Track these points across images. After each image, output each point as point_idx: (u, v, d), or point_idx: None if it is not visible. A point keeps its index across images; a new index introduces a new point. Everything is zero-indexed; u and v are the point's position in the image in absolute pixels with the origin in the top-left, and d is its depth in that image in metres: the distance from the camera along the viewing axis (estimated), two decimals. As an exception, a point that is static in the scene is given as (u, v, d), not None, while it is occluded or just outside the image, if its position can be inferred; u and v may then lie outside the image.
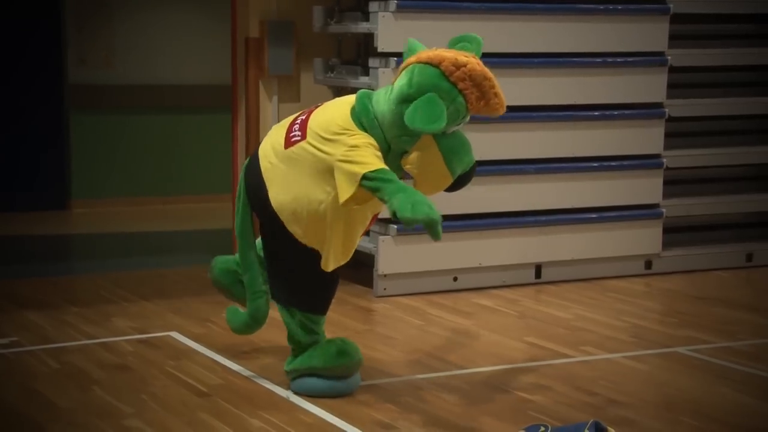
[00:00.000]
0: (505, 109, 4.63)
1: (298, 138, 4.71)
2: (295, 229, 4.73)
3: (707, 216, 7.95)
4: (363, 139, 4.57)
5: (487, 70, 4.57)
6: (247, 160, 5.04)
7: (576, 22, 7.23)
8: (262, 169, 4.82)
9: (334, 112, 4.73)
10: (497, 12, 6.99)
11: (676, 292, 7.19)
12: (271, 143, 4.87)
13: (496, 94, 4.57)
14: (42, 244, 8.62)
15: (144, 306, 6.54)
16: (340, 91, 7.39)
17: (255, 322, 5.06)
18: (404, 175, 4.69)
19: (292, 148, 4.71)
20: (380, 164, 4.48)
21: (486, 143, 7.00)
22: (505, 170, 7.06)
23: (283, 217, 4.72)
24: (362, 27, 6.89)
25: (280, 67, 7.57)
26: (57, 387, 4.88)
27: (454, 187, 4.76)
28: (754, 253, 7.92)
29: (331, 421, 4.52)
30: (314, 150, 4.63)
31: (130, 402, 4.74)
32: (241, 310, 5.20)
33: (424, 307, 6.59)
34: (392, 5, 6.65)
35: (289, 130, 4.79)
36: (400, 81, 4.61)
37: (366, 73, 6.86)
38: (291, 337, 4.94)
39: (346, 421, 4.51)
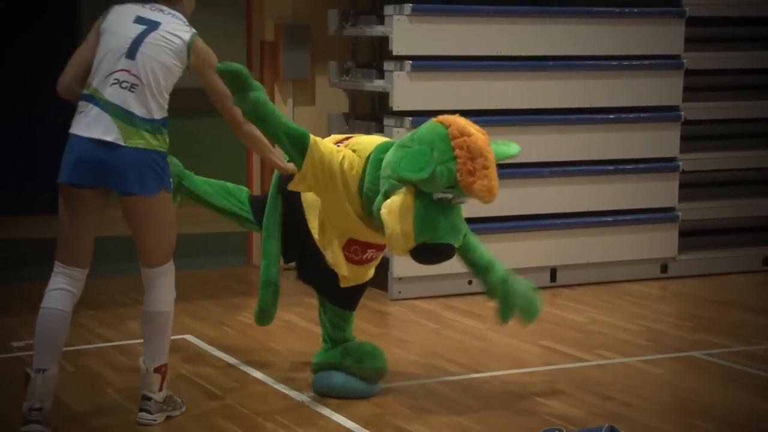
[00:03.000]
0: (492, 197, 4.46)
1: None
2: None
3: (723, 219, 7.92)
4: (346, 163, 4.62)
5: (489, 151, 4.47)
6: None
7: (591, 25, 7.23)
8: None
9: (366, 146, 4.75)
10: (511, 15, 6.99)
11: (691, 295, 7.17)
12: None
13: (486, 176, 4.42)
14: (54, 247, 8.61)
15: (159, 309, 6.56)
16: (355, 95, 7.42)
17: (262, 312, 4.93)
18: None
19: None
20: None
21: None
22: (520, 173, 7.04)
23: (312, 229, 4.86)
24: (377, 30, 6.90)
25: (295, 71, 7.58)
26: (72, 389, 4.89)
27: (416, 255, 4.53)
28: (770, 257, 7.91)
29: (346, 425, 4.52)
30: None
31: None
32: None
33: (439, 310, 6.58)
34: (407, 9, 6.65)
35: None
36: (414, 130, 4.64)
37: (381, 76, 6.86)
38: (325, 333, 4.99)
39: (361, 425, 4.51)
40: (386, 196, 4.45)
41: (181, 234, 9.78)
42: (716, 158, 7.80)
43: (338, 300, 4.96)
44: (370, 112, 7.38)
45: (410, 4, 6.65)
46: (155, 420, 4.49)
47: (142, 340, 5.85)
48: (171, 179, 4.63)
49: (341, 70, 7.30)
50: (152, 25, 4.44)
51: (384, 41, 6.92)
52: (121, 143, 4.34)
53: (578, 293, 7.08)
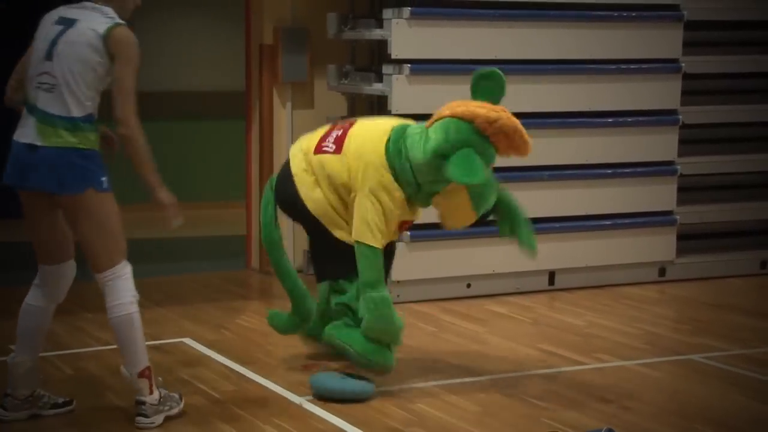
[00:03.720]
0: (530, 149, 5.10)
1: (330, 150, 5.06)
2: (339, 233, 5.09)
3: (721, 223, 7.92)
4: (386, 196, 4.95)
5: (516, 122, 4.97)
6: (275, 175, 5.40)
7: (590, 29, 7.23)
8: (294, 175, 5.16)
9: (372, 140, 5.04)
10: (510, 19, 6.99)
11: (689, 299, 7.17)
12: (301, 148, 5.23)
13: (525, 142, 5.02)
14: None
15: (157, 312, 6.55)
16: (354, 98, 7.42)
17: (304, 321, 5.32)
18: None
19: (322, 156, 5.06)
20: (379, 242, 4.94)
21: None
22: (518, 177, 7.03)
23: (325, 221, 5.09)
24: (376, 34, 6.90)
25: (294, 74, 7.58)
26: (71, 393, 4.88)
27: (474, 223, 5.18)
28: (768, 261, 7.92)
29: (344, 427, 4.52)
30: (347, 167, 4.99)
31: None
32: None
33: (438, 313, 6.58)
34: (406, 12, 6.65)
35: (322, 140, 5.16)
36: (437, 134, 4.90)
37: (380, 79, 6.86)
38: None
39: (360, 428, 4.51)
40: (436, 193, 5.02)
41: (181, 237, 9.84)
42: (714, 162, 7.81)
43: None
44: (370, 116, 7.37)
45: (409, 8, 6.65)
46: (153, 423, 4.49)
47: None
48: (105, 178, 4.52)
49: (340, 74, 7.30)
50: (69, 24, 4.41)
51: (383, 45, 6.92)
52: (39, 143, 4.34)
53: (577, 296, 7.09)
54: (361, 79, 7.11)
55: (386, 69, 6.78)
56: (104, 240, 4.48)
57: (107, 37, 4.39)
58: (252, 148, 7.81)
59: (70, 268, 4.63)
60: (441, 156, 4.84)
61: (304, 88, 7.66)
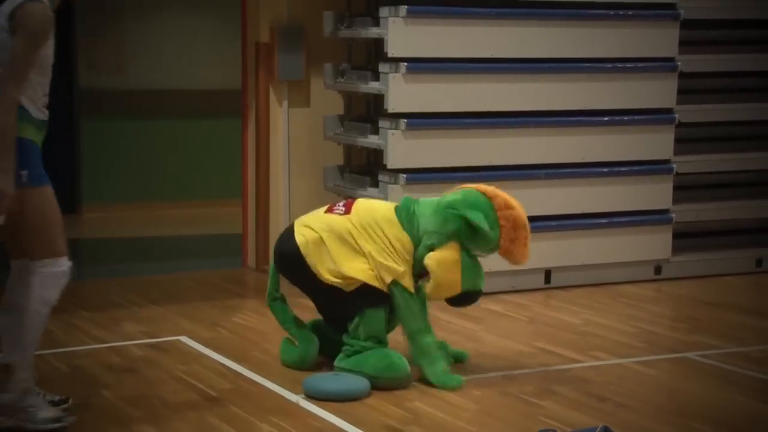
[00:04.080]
0: (525, 262, 5.29)
1: (341, 212, 5.19)
2: (326, 274, 5.12)
3: (717, 221, 7.92)
4: (398, 245, 5.12)
5: (527, 225, 5.21)
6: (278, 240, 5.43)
7: (586, 28, 7.23)
8: (294, 228, 5.25)
9: (381, 204, 5.33)
10: (507, 18, 6.99)
11: (685, 297, 7.17)
12: (309, 216, 5.32)
13: (525, 245, 5.19)
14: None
15: (154, 310, 6.55)
16: (350, 96, 7.41)
17: (303, 363, 5.33)
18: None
19: (331, 215, 5.19)
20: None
21: (496, 148, 7.01)
22: (514, 175, 7.05)
23: (313, 259, 5.13)
24: (373, 32, 6.89)
25: (291, 73, 7.58)
26: (67, 391, 4.86)
27: (454, 301, 5.23)
28: (763, 259, 7.92)
29: (341, 426, 4.51)
30: (355, 229, 5.12)
31: (140, 406, 4.74)
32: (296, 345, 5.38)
33: (434, 311, 6.51)
34: (402, 11, 6.65)
35: (332, 206, 5.30)
36: (454, 195, 5.18)
37: (376, 78, 6.86)
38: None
39: (356, 426, 4.50)
40: (431, 249, 5.07)
41: (177, 236, 9.84)
42: (710, 160, 7.81)
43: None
44: (366, 114, 7.38)
45: (405, 6, 6.65)
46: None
47: (136, 341, 5.88)
48: (25, 172, 4.29)
49: (336, 72, 7.29)
50: None
51: (379, 43, 6.92)
52: None
53: (573, 295, 7.09)
54: (357, 78, 7.11)
55: (383, 67, 6.77)
56: (32, 234, 4.36)
57: (14, 14, 4.23)
58: (248, 146, 7.80)
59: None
60: (452, 208, 5.10)
61: (301, 87, 7.66)
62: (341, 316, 5.21)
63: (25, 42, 4.24)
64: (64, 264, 4.44)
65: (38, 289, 4.35)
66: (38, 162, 4.41)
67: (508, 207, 5.15)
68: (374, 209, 5.22)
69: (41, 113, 4.43)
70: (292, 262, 5.23)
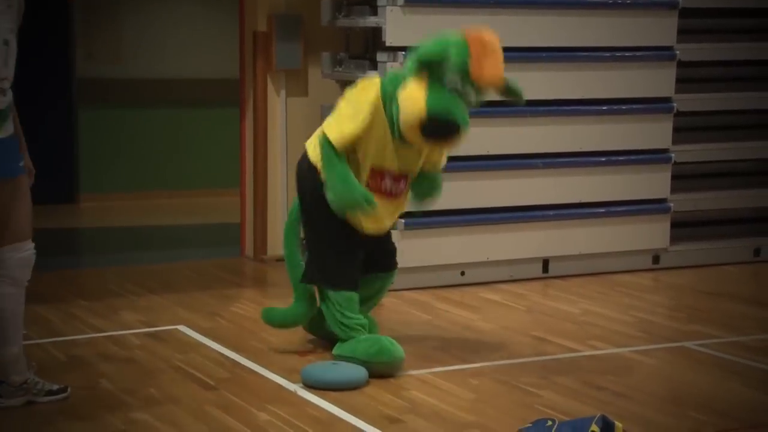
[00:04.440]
0: (499, 81, 5.10)
1: None
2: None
3: (715, 211, 7.92)
4: (369, 108, 5.07)
5: (498, 47, 5.03)
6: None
7: (584, 17, 7.22)
8: (312, 159, 5.24)
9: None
10: (504, 6, 6.97)
11: (683, 286, 7.18)
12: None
13: (496, 66, 5.01)
14: (50, 238, 8.60)
15: (152, 300, 6.55)
16: (347, 85, 7.38)
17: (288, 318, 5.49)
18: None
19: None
20: (340, 138, 5.06)
21: (494, 137, 7.01)
22: (512, 164, 7.06)
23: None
24: (370, 21, 6.88)
25: (288, 61, 7.57)
26: (65, 380, 4.87)
27: (427, 130, 5.02)
28: (761, 248, 7.91)
29: (339, 414, 4.52)
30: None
31: (138, 395, 4.75)
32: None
33: (432, 301, 6.58)
34: (400, 0, 6.63)
35: None
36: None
37: (374, 67, 6.84)
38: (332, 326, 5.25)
39: (354, 415, 4.51)
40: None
41: (175, 225, 9.84)
42: (708, 149, 7.80)
43: (337, 282, 5.21)
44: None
45: (403, -5, 6.64)
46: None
47: (134, 330, 5.87)
48: None
49: (334, 61, 7.27)
50: None
51: (377, 32, 6.89)
52: None
53: (570, 284, 7.09)
54: (355, 67, 7.09)
55: (380, 56, 6.75)
56: None
57: None
58: (246, 135, 7.79)
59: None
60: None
61: (298, 76, 7.65)
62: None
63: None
64: None
65: None
66: None
67: (478, 32, 5.01)
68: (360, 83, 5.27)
69: None
70: (305, 177, 5.27)
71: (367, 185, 5.15)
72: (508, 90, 5.23)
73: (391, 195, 5.23)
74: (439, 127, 5.00)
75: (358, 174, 5.12)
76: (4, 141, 4.42)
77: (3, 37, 4.36)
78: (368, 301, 5.48)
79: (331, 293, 5.20)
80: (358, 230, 5.21)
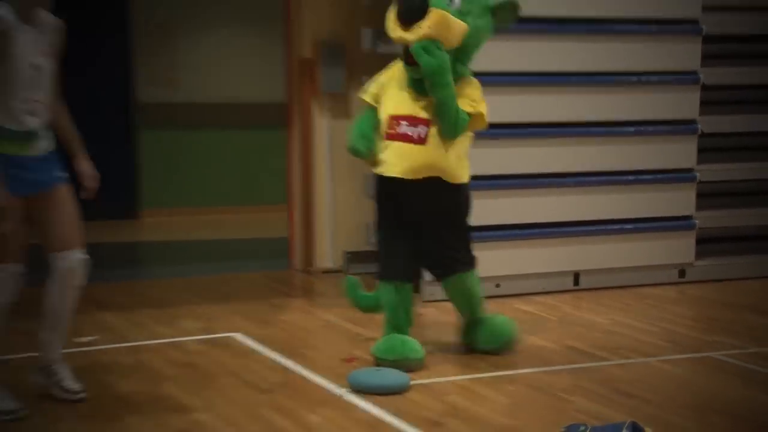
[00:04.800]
0: None
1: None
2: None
3: (737, 228, 7.88)
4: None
5: None
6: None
7: (612, 43, 7.22)
8: None
9: None
10: (533, 33, 7.00)
11: (707, 299, 7.15)
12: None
13: None
14: (115, 251, 8.73)
15: (209, 309, 6.62)
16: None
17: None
18: None
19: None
20: (363, 93, 5.55)
21: (528, 157, 7.03)
22: (545, 183, 7.08)
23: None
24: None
25: (332, 86, 7.64)
26: (132, 382, 4.96)
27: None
28: (784, 263, 7.88)
29: (383, 418, 4.55)
30: None
31: (199, 397, 4.81)
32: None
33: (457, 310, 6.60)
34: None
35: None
36: None
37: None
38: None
39: (397, 417, 4.54)
40: None
41: (229, 239, 9.87)
42: (731, 169, 7.78)
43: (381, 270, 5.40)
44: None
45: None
46: None
47: (194, 337, 5.91)
48: None
49: (376, 86, 7.32)
50: None
51: (417, 59, 6.94)
52: None
53: (600, 296, 7.09)
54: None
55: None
56: None
57: None
58: (293, 155, 7.86)
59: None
60: None
61: (342, 99, 7.71)
62: None
63: None
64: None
65: None
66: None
67: None
68: None
69: (17, 123, 4.40)
70: None
71: (388, 133, 5.26)
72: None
73: (412, 139, 5.20)
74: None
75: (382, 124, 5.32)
76: (37, 158, 4.47)
77: (33, 61, 4.40)
78: (455, 304, 5.60)
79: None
80: (401, 220, 5.31)
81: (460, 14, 5.16)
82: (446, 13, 5.08)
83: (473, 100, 5.27)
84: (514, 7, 5.30)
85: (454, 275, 5.48)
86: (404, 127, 5.21)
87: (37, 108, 4.44)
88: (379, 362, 5.21)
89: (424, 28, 5.05)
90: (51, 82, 4.53)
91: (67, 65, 4.80)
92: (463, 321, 5.64)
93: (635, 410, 4.66)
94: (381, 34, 7.25)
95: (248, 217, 10.38)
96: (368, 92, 5.46)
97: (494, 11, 5.28)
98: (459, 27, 5.13)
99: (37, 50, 4.41)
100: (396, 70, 5.39)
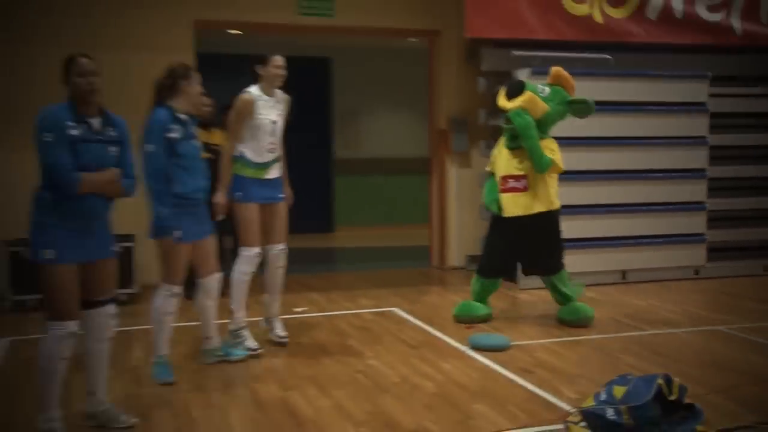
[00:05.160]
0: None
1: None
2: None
3: (737, 242, 7.37)
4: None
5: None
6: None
7: (645, 117, 6.89)
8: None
9: None
10: (600, 77, 6.69)
11: (716, 290, 6.70)
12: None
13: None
14: (319, 253, 8.84)
15: (378, 291, 6.57)
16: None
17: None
18: None
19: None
20: (488, 166, 5.45)
21: (597, 193, 6.79)
22: (599, 210, 6.80)
23: None
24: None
25: (459, 147, 7.54)
26: (327, 338, 4.96)
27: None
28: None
29: (492, 367, 4.43)
30: None
31: (370, 349, 4.78)
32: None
33: (550, 296, 6.36)
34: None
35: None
36: None
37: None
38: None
39: (502, 366, 4.41)
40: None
41: (389, 246, 9.83)
42: (732, 202, 7.29)
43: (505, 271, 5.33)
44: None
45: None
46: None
47: (368, 310, 5.85)
48: (239, 193, 4.34)
49: (488, 147, 7.21)
50: None
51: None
52: None
53: (640, 287, 6.73)
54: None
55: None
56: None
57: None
58: (433, 192, 7.80)
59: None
60: None
61: (465, 156, 7.60)
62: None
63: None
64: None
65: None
66: (249, 188, 4.42)
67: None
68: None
69: (262, 158, 4.46)
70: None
71: (502, 188, 5.16)
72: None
73: (517, 190, 5.12)
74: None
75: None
76: (270, 180, 4.52)
77: (273, 119, 4.51)
78: (555, 295, 5.37)
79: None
80: (505, 230, 5.17)
81: (546, 100, 5.08)
82: (535, 95, 5.03)
83: (551, 150, 5.13)
84: (588, 106, 5.13)
85: (551, 275, 5.32)
86: (511, 183, 5.15)
87: (273, 148, 4.52)
88: (456, 317, 5.21)
89: (519, 101, 5.03)
90: (281, 134, 4.61)
91: (290, 128, 4.88)
92: (559, 305, 5.41)
93: (666, 366, 4.40)
94: (491, 112, 7.15)
95: (402, 231, 10.36)
96: (489, 164, 5.37)
97: (571, 104, 5.14)
98: (542, 106, 5.06)
99: (273, 112, 4.51)
100: (500, 146, 5.28)
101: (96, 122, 3.18)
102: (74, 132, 3.09)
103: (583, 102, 5.11)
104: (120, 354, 4.36)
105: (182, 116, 3.94)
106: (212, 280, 4.18)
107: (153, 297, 4.07)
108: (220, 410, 3.71)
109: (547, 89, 5.12)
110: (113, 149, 3.22)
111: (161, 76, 3.97)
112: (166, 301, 3.99)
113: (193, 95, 3.97)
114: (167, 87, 3.91)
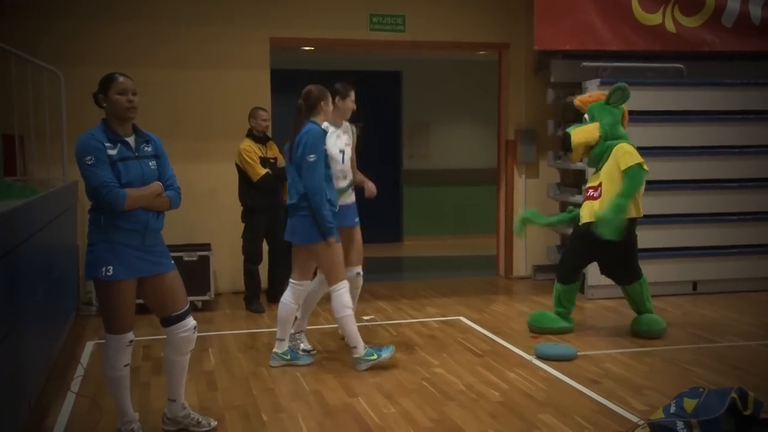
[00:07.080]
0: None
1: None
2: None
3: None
4: None
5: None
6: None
7: (726, 125, 6.62)
8: None
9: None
10: (673, 86, 6.47)
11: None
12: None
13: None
14: (386, 262, 8.84)
15: (443, 300, 6.52)
16: (564, 172, 7.16)
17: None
18: None
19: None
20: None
21: (660, 204, 6.56)
22: (669, 221, 6.56)
23: None
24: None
25: (527, 157, 7.42)
26: (394, 345, 4.92)
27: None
28: None
29: (558, 376, 4.33)
30: None
31: (437, 357, 4.74)
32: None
33: (618, 306, 6.18)
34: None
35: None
36: None
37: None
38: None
39: (568, 377, 4.31)
40: None
41: (457, 255, 9.78)
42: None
43: (572, 275, 5.19)
44: (573, 183, 7.10)
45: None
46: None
47: (434, 318, 5.84)
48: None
49: (555, 157, 7.08)
50: None
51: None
52: None
53: (711, 298, 6.46)
54: (568, 160, 6.85)
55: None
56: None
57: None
58: (501, 202, 7.70)
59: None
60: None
61: (533, 166, 7.48)
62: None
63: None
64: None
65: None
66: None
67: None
68: None
69: (339, 184, 4.54)
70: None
71: (587, 195, 5.13)
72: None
73: (592, 198, 5.08)
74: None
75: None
76: (346, 206, 4.60)
77: (341, 149, 4.61)
78: (629, 301, 5.28)
79: None
80: (581, 237, 5.08)
81: (591, 120, 5.11)
82: (577, 131, 5.09)
83: (629, 153, 4.99)
84: (621, 89, 5.06)
85: (630, 284, 5.19)
86: (590, 192, 5.13)
87: (346, 176, 4.62)
88: (530, 326, 5.12)
89: (574, 143, 5.12)
90: (350, 160, 4.67)
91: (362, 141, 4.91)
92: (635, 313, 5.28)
93: (741, 380, 4.20)
94: (559, 123, 7.02)
95: (469, 242, 10.26)
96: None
97: (608, 99, 5.09)
98: (592, 127, 5.09)
99: (341, 142, 4.59)
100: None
101: (131, 140, 3.17)
102: (112, 152, 3.08)
103: (614, 90, 5.05)
104: (194, 357, 4.46)
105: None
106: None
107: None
108: (289, 415, 3.74)
109: (586, 116, 5.16)
110: (152, 164, 3.19)
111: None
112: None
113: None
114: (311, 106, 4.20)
